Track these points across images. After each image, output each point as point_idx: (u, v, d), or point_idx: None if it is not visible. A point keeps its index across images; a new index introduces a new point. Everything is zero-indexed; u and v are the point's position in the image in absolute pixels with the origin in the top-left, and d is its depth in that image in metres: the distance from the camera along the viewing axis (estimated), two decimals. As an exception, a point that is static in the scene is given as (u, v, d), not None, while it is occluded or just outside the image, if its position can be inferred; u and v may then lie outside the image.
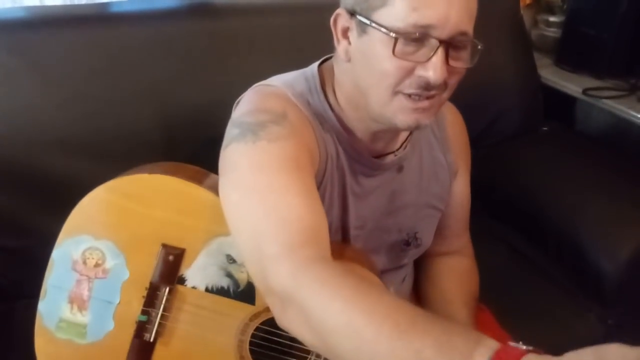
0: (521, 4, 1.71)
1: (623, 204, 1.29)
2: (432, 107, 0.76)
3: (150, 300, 0.81)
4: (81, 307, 0.81)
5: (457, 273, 1.00)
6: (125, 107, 1.16)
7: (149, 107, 1.17)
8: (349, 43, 0.77)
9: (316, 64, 0.86)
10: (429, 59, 0.71)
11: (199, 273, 0.82)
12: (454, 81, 0.76)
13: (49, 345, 0.83)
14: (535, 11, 1.87)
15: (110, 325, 0.82)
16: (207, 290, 0.82)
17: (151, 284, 0.81)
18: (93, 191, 0.81)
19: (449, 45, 0.71)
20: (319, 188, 0.79)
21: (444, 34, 0.70)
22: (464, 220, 1.03)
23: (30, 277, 0.98)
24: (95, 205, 0.81)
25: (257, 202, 0.70)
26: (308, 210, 0.70)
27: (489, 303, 1.06)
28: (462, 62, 0.74)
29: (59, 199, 1.06)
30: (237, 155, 0.75)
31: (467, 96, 1.43)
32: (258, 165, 0.73)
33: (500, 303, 1.07)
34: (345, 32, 0.77)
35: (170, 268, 0.80)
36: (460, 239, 1.04)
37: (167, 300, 0.81)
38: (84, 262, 0.81)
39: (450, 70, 0.73)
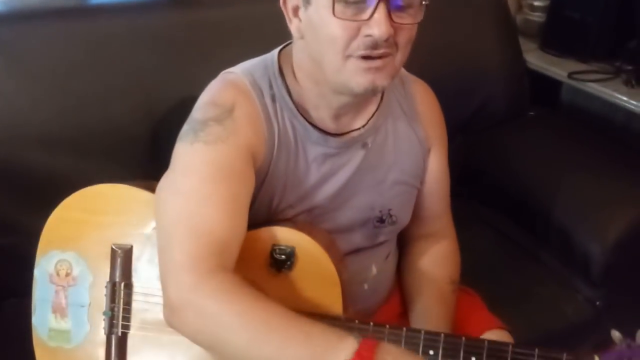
0: (505, -12, 1.72)
1: (610, 186, 1.30)
2: (386, 67, 0.77)
3: (112, 297, 0.86)
4: (63, 315, 0.89)
5: (434, 257, 1.00)
6: (108, 101, 1.14)
7: (132, 101, 1.15)
8: (300, 20, 0.80)
9: (277, 49, 0.89)
10: (371, 16, 0.73)
11: (149, 264, 0.86)
12: (404, 39, 0.77)
13: (45, 354, 0.89)
14: (519, -4, 1.88)
15: (87, 327, 0.88)
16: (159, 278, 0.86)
17: (109, 282, 0.87)
18: (54, 212, 0.90)
19: (391, 1, 0.73)
20: (266, 175, 0.84)
21: None
22: (442, 200, 1.02)
23: (16, 276, 0.97)
24: (56, 223, 0.90)
25: (178, 206, 0.77)
26: (222, 224, 0.75)
27: (478, 287, 1.07)
28: (408, 18, 0.76)
29: (44, 196, 1.04)
30: (177, 154, 0.81)
31: (453, 82, 1.46)
32: (189, 169, 0.79)
33: (489, 287, 1.08)
34: (296, 10, 0.80)
35: (123, 264, 0.86)
36: (439, 220, 1.03)
37: (126, 294, 0.86)
38: (57, 274, 0.89)
39: (396, 27, 0.75)
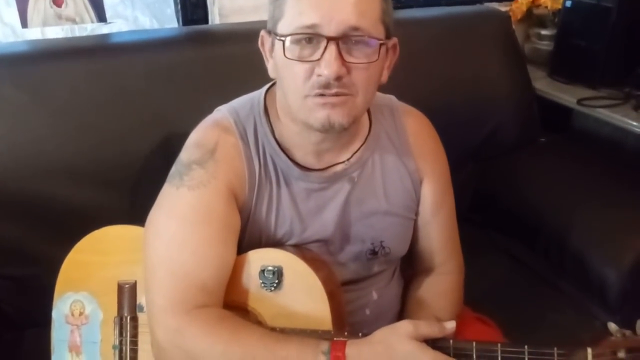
0: (513, 18, 1.75)
1: (624, 211, 1.29)
2: (343, 105, 0.78)
3: (120, 331, 0.92)
4: (78, 353, 0.94)
5: (425, 293, 0.97)
6: (129, 135, 1.18)
7: (152, 134, 1.19)
8: (273, 60, 0.82)
9: (265, 87, 0.91)
10: (322, 56, 0.75)
11: None
12: (361, 79, 0.78)
13: None
14: (527, 25, 1.90)
15: None
16: None
17: (117, 317, 0.93)
18: (67, 256, 0.95)
19: (341, 41, 0.75)
20: (250, 211, 0.86)
21: (332, 31, 0.74)
22: (440, 233, 0.98)
23: (37, 306, 1.00)
24: (70, 266, 0.96)
25: (160, 250, 0.83)
26: (201, 266, 0.81)
27: (494, 315, 1.06)
28: (362, 58, 0.77)
29: (66, 227, 1.07)
30: (163, 195, 0.86)
31: (464, 111, 1.48)
32: (173, 213, 0.84)
33: (505, 314, 1.07)
34: (271, 51, 0.83)
35: (129, 300, 0.93)
36: (439, 254, 0.99)
37: (132, 327, 0.92)
38: (72, 314, 0.95)
39: (350, 66, 0.76)
